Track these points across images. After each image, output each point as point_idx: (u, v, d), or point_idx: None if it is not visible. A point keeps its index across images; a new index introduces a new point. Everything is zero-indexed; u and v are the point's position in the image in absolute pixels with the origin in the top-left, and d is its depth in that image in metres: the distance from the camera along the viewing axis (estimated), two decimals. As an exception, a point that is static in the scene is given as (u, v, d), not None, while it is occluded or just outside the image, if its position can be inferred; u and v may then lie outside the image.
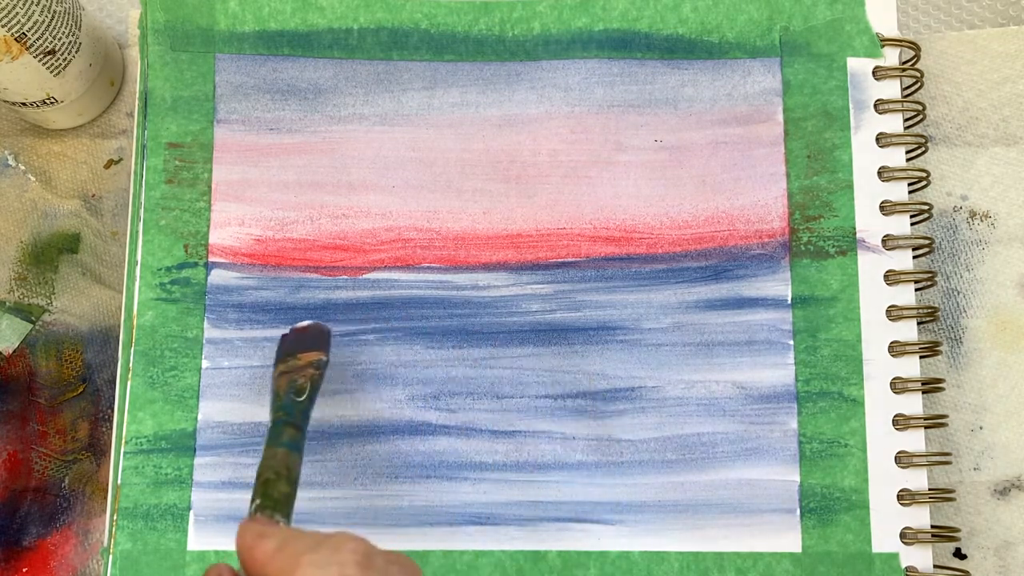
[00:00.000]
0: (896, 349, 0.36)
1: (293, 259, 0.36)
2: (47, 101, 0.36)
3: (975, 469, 0.37)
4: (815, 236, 0.36)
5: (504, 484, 0.35)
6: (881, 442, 0.35)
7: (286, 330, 0.34)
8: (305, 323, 0.34)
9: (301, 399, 0.30)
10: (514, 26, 0.37)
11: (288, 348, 0.33)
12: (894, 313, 0.36)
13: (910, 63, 0.37)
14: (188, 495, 0.34)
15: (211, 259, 0.36)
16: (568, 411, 0.35)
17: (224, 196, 0.36)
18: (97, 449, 0.36)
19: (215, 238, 0.36)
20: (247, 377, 0.35)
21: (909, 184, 0.37)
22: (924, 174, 0.36)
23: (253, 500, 0.27)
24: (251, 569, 0.24)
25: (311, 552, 0.22)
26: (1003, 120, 0.38)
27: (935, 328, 0.37)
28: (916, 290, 0.36)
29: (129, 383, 0.35)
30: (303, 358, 0.32)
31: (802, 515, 0.35)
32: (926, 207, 0.36)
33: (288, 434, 0.29)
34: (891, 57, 0.37)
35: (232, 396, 0.35)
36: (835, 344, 0.36)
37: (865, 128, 0.37)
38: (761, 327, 0.36)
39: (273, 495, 0.27)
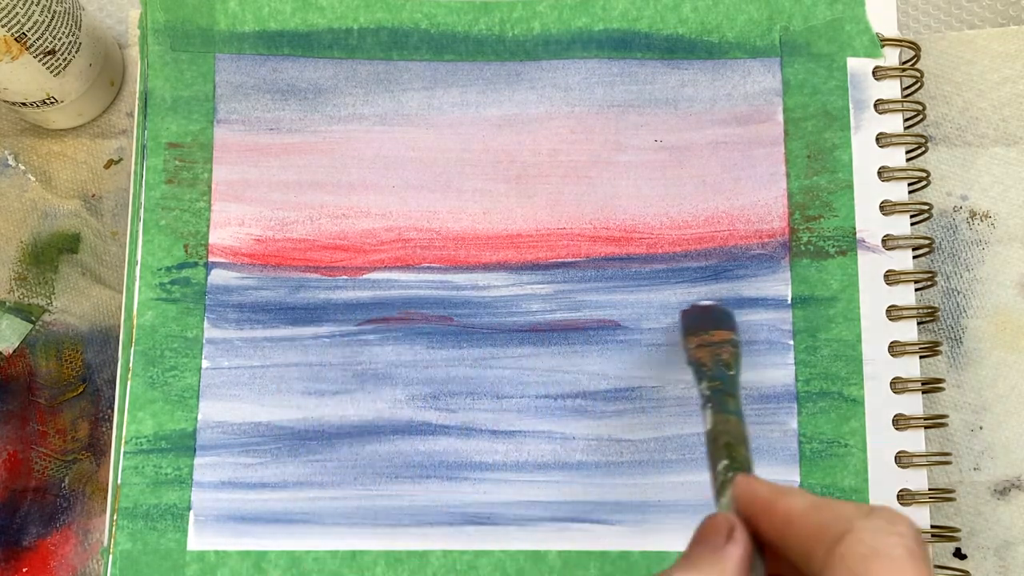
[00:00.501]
0: (896, 349, 0.36)
1: (293, 259, 0.36)
2: (47, 101, 0.36)
3: (975, 469, 0.37)
4: (815, 236, 0.36)
5: (504, 484, 0.35)
6: (881, 442, 0.35)
7: (686, 306, 0.35)
8: (708, 302, 0.35)
9: (732, 372, 0.32)
10: (514, 26, 0.37)
11: (696, 323, 0.34)
12: (894, 313, 0.36)
13: (910, 63, 0.37)
14: (188, 495, 0.34)
15: (211, 259, 0.36)
16: (568, 411, 0.35)
17: (224, 196, 0.36)
18: (97, 449, 0.36)
19: (215, 238, 0.36)
20: (247, 377, 0.35)
21: (909, 184, 0.37)
22: (924, 174, 0.36)
23: (718, 461, 0.27)
24: (770, 522, 0.23)
25: (865, 518, 0.22)
26: (1003, 120, 0.38)
27: (935, 328, 0.37)
28: (916, 290, 0.36)
29: (129, 383, 0.35)
30: (717, 335, 0.33)
31: (802, 515, 0.35)
32: (926, 207, 0.36)
33: (732, 403, 0.30)
34: (891, 57, 0.37)
35: (232, 396, 0.35)
36: (835, 344, 0.36)
37: (865, 128, 0.37)
38: (761, 327, 0.36)
39: (739, 458, 0.28)
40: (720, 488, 0.26)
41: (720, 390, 0.30)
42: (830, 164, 0.37)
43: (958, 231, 0.38)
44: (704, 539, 0.23)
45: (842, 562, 0.21)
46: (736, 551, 0.23)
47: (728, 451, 0.28)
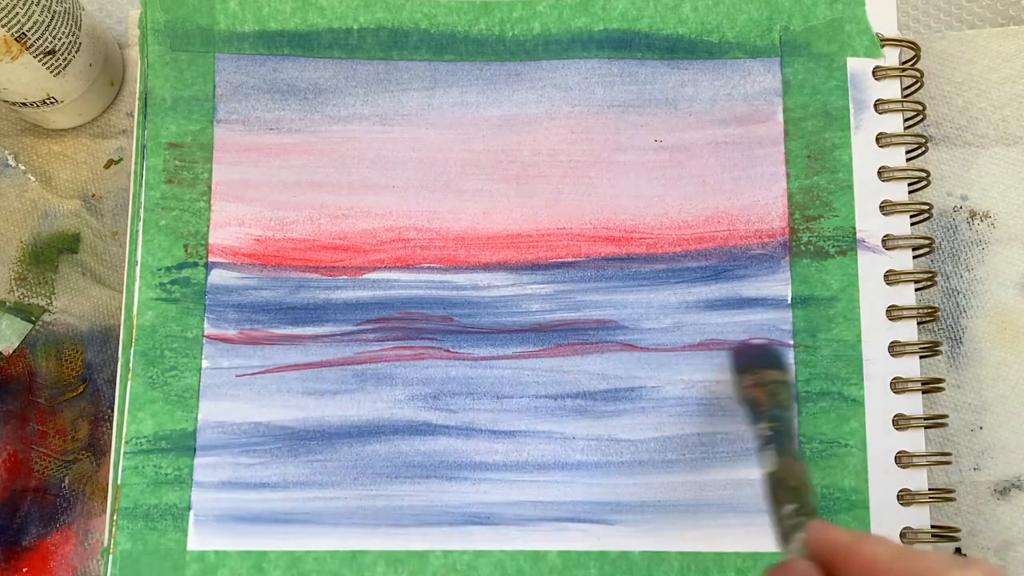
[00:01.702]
0: (896, 349, 0.36)
1: (293, 259, 0.36)
2: (47, 101, 0.36)
3: (975, 469, 0.37)
4: (815, 236, 0.36)
5: (504, 484, 0.35)
6: (881, 442, 0.35)
7: (736, 344, 0.35)
8: (761, 340, 0.35)
9: (789, 414, 0.32)
10: (514, 26, 0.37)
11: (749, 362, 0.34)
12: (894, 313, 0.36)
13: (910, 63, 0.37)
14: (188, 495, 0.34)
15: (211, 259, 0.36)
16: (568, 411, 0.35)
17: (224, 196, 0.36)
18: (97, 449, 0.36)
19: (215, 238, 0.36)
20: (247, 377, 0.35)
21: (909, 184, 0.37)
22: (924, 174, 0.36)
23: (783, 504, 0.28)
24: (849, 570, 0.23)
25: (959, 568, 0.22)
26: (1003, 120, 0.38)
27: (935, 328, 0.37)
28: (916, 290, 0.36)
29: (129, 383, 0.35)
30: (770, 375, 0.33)
31: (802, 515, 0.35)
32: (926, 207, 0.36)
33: (792, 445, 0.30)
34: (891, 57, 0.37)
35: (232, 396, 0.35)
36: (835, 344, 0.36)
37: (865, 128, 0.37)
38: (761, 327, 0.36)
39: (806, 502, 0.28)
40: (787, 533, 0.26)
41: (782, 431, 0.30)
42: (830, 164, 0.37)
43: (958, 231, 0.38)
44: None
45: None
46: None
47: (796, 495, 0.28)
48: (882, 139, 0.37)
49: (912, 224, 0.37)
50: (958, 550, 0.36)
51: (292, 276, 0.36)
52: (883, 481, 0.35)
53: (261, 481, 0.35)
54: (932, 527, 0.35)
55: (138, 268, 0.35)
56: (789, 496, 0.28)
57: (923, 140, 0.37)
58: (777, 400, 0.32)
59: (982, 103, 0.39)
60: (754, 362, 0.34)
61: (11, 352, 0.37)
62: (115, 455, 0.35)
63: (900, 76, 0.37)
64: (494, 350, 0.36)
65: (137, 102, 0.36)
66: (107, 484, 0.35)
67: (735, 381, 0.34)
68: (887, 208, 0.36)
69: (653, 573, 0.34)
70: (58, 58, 0.34)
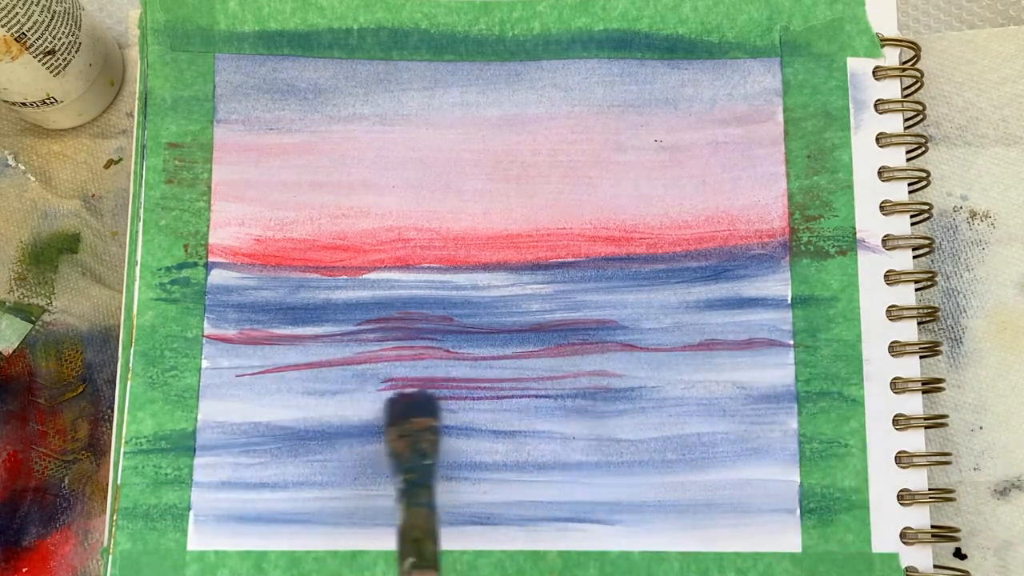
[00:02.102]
0: (896, 349, 0.36)
1: (293, 259, 0.36)
2: (47, 101, 0.36)
3: (975, 469, 0.37)
4: (815, 236, 0.36)
5: (504, 484, 0.35)
6: (881, 442, 0.35)
7: (392, 395, 0.35)
8: (412, 389, 0.35)
9: (429, 462, 0.33)
10: (514, 26, 0.37)
11: (399, 412, 0.34)
12: (894, 313, 0.36)
13: (910, 63, 0.37)
14: (188, 495, 0.34)
15: (211, 259, 0.36)
16: (568, 411, 0.35)
17: (224, 196, 0.36)
18: (97, 449, 0.37)
19: (215, 238, 0.36)
20: (247, 377, 0.35)
21: (909, 184, 0.37)
22: (924, 174, 0.36)
23: (405, 557, 0.29)
24: None
25: None
26: (1003, 120, 0.38)
27: (935, 328, 0.37)
28: (916, 290, 0.36)
29: (129, 383, 0.35)
30: (417, 423, 0.34)
31: (802, 515, 0.35)
32: (926, 207, 0.36)
33: (424, 495, 0.32)
34: (891, 57, 0.37)
35: (232, 396, 0.35)
36: (835, 344, 0.36)
37: (865, 128, 0.37)
38: (761, 327, 0.36)
39: (427, 554, 0.30)
40: None
41: (414, 482, 0.32)
42: (830, 164, 0.37)
43: (958, 231, 0.38)
44: None
45: None
46: None
47: (416, 547, 0.29)
48: (882, 139, 0.37)
49: (912, 224, 0.37)
50: (958, 550, 0.36)
51: (292, 276, 0.36)
52: (883, 481, 0.35)
53: (261, 481, 0.35)
54: (932, 527, 0.35)
55: (138, 268, 0.35)
56: (410, 548, 0.30)
57: (923, 140, 0.37)
58: (418, 449, 0.33)
59: (982, 103, 0.39)
60: (402, 413, 0.34)
61: (11, 352, 0.37)
62: (115, 455, 0.35)
63: (900, 76, 0.37)
64: (494, 350, 0.36)
65: (137, 102, 0.36)
66: (107, 484, 0.35)
67: (385, 434, 0.34)
68: (887, 208, 0.36)
69: (653, 573, 0.34)
70: (58, 58, 0.34)
